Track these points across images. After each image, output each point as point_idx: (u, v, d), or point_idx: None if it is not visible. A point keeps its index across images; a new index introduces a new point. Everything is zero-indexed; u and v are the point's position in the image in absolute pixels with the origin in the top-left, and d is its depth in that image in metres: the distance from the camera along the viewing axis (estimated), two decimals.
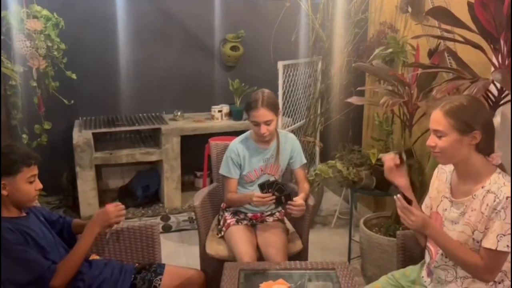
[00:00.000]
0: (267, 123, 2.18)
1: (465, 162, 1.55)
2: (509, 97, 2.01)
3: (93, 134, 3.52)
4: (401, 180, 1.77)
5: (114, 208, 1.78)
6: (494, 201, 1.47)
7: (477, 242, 1.53)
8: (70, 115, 3.80)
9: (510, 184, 1.49)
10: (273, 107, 2.19)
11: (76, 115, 3.85)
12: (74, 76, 3.54)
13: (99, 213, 1.77)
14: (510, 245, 1.44)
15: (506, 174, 1.55)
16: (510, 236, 1.44)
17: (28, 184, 1.59)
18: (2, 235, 1.50)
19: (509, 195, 1.45)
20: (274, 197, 2.09)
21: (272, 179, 2.36)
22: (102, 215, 1.75)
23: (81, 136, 3.47)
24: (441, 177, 1.72)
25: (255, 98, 2.18)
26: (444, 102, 1.55)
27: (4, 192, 1.55)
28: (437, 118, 1.54)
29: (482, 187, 1.52)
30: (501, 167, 1.58)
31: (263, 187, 2.11)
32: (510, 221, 1.44)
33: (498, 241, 1.45)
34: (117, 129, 3.69)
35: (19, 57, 3.32)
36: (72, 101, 3.61)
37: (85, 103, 3.85)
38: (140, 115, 4.03)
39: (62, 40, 3.44)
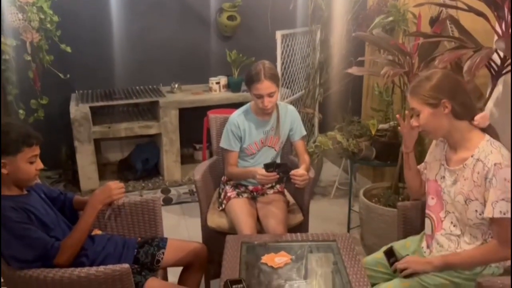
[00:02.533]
0: (271, 95, 2.16)
1: (450, 132, 1.61)
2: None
3: (90, 108, 3.48)
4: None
5: (116, 185, 1.77)
6: (484, 169, 1.51)
7: (475, 211, 1.55)
8: (66, 89, 3.75)
9: (497, 151, 1.52)
10: (275, 79, 2.17)
11: (73, 89, 3.80)
12: (68, 49, 3.48)
13: (101, 189, 1.76)
14: (503, 210, 1.47)
15: (494, 141, 1.57)
16: (504, 202, 1.47)
17: (28, 164, 1.58)
18: (5, 214, 1.50)
19: (497, 161, 1.49)
20: (278, 176, 2.08)
21: (279, 161, 2.37)
22: (105, 191, 1.75)
23: (78, 110, 3.44)
24: (439, 144, 1.77)
25: (257, 70, 2.15)
26: (411, 85, 1.64)
27: (4, 171, 1.54)
28: (409, 100, 1.64)
29: (472, 156, 1.56)
30: (490, 128, 1.62)
31: (269, 166, 2.08)
32: (502, 188, 1.47)
33: (493, 208, 1.49)
34: (115, 102, 3.65)
35: (12, 30, 3.25)
36: (68, 75, 3.56)
37: (81, 77, 3.79)
38: (137, 87, 3.98)
39: (54, 12, 3.36)
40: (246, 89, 2.21)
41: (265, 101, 2.16)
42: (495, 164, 1.48)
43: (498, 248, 1.53)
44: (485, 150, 1.54)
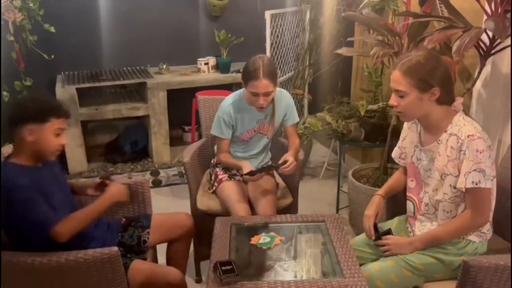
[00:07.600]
0: (267, 94, 2.07)
1: (427, 116, 1.61)
2: (500, 47, 1.99)
3: (77, 89, 3.43)
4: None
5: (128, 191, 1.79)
6: (457, 142, 1.54)
7: (450, 186, 1.59)
8: (51, 70, 3.68)
9: (469, 124, 1.55)
10: (274, 77, 2.07)
11: (58, 70, 3.73)
12: (52, 29, 3.40)
13: (120, 188, 1.75)
14: (475, 180, 1.51)
15: (466, 116, 1.61)
16: (476, 172, 1.50)
17: (54, 136, 1.58)
18: (13, 182, 1.49)
19: (470, 133, 1.51)
20: (262, 175, 2.15)
21: (269, 146, 2.41)
22: (121, 191, 1.75)
23: (64, 92, 3.38)
24: (412, 127, 1.78)
25: (255, 67, 2.03)
26: (402, 61, 1.57)
27: (30, 138, 1.54)
28: (397, 78, 1.57)
29: (445, 132, 1.59)
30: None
31: (255, 173, 2.09)
32: (474, 159, 1.50)
33: (466, 179, 1.52)
34: (102, 83, 3.60)
35: None
36: (53, 56, 3.48)
37: (66, 58, 3.72)
38: (124, 69, 3.92)
39: None
40: (235, 70, 2.17)
41: (260, 100, 2.07)
42: (468, 136, 1.51)
43: (472, 217, 1.58)
44: (458, 124, 1.57)
